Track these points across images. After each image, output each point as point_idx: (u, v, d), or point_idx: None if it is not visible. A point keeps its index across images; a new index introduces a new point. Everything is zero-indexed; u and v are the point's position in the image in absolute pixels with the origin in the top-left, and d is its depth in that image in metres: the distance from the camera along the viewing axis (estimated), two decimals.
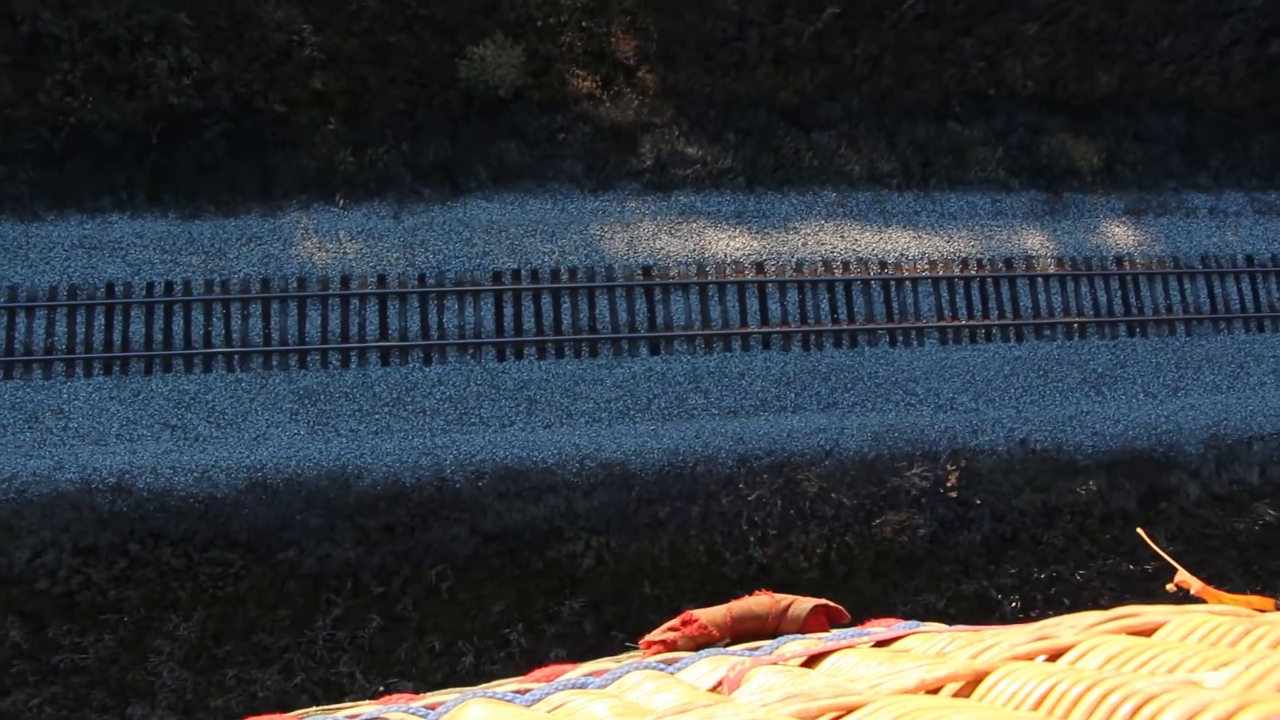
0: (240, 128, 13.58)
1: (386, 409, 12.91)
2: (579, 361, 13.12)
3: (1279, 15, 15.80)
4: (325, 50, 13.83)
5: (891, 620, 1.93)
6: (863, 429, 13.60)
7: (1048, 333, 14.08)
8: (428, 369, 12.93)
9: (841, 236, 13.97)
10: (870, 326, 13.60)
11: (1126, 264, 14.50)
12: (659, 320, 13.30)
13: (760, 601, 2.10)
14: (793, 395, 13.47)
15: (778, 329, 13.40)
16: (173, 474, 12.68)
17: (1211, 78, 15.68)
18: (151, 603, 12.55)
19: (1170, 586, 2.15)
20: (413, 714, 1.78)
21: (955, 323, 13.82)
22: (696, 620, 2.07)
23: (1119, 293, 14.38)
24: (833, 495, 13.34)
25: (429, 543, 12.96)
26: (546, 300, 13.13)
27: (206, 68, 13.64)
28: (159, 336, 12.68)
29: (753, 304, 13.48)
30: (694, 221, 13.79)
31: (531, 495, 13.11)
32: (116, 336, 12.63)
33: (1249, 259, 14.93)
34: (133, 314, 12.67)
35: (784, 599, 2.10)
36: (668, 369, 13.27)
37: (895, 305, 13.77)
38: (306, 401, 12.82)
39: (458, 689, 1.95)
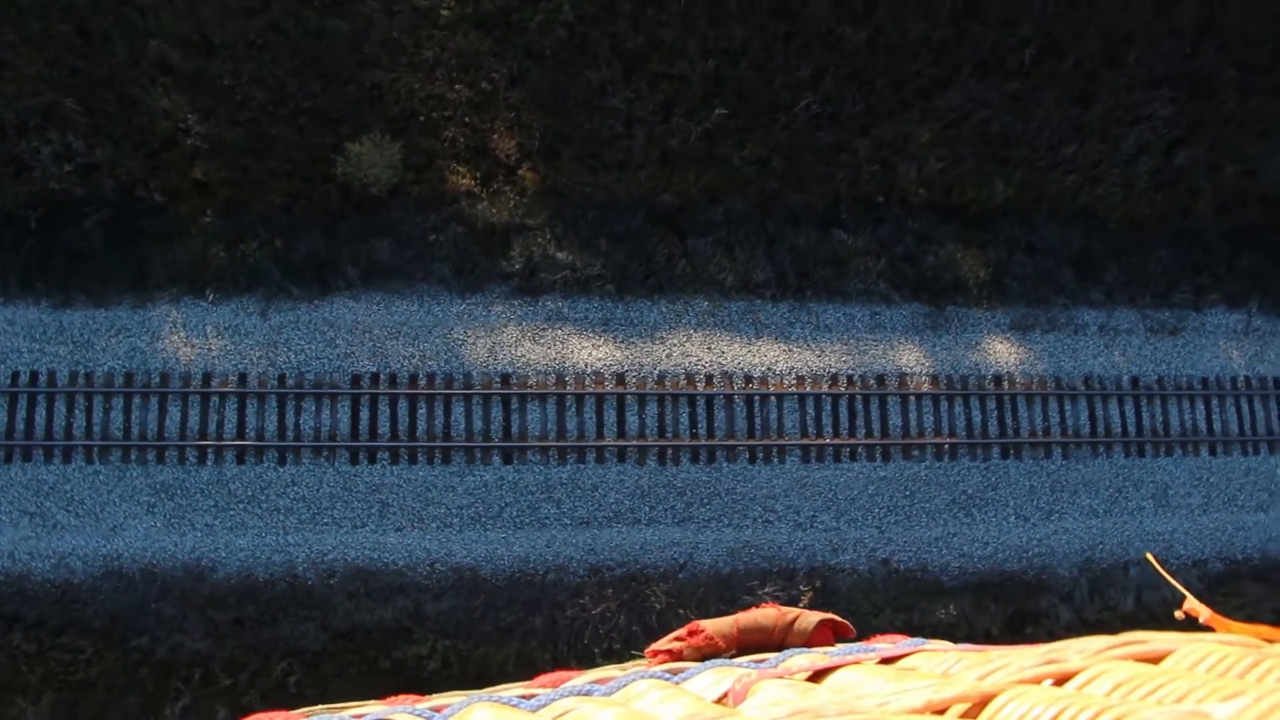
0: (119, 216, 13.83)
1: (241, 505, 13.15)
2: (431, 468, 13.27)
3: (1187, 125, 15.47)
4: (209, 139, 14.02)
5: (896, 636, 1.94)
6: (718, 544, 13.62)
7: (916, 453, 13.97)
8: (282, 469, 13.15)
9: (709, 348, 13.95)
10: (730, 443, 13.59)
11: (1005, 383, 14.33)
12: (514, 429, 13.39)
13: (766, 614, 2.14)
14: (647, 509, 13.52)
15: (634, 442, 13.44)
16: (29, 559, 13.03)
17: (1114, 188, 15.40)
18: (4, 685, 12.94)
19: (1178, 614, 2.13)
20: (418, 715, 1.82)
21: (820, 441, 13.77)
22: (703, 631, 2.11)
23: (995, 413, 14.23)
24: (680, 611, 13.39)
25: (278, 638, 13.21)
26: (403, 405, 13.28)
27: (91, 153, 13.90)
28: (20, 425, 13.00)
29: (610, 416, 13.52)
30: (559, 329, 13.84)
31: (381, 595, 13.30)
32: None
33: (1134, 381, 14.69)
34: None
35: (790, 612, 2.14)
36: (520, 478, 13.38)
37: (758, 421, 13.74)
38: (163, 495, 13.09)
39: (463, 692, 1.99)
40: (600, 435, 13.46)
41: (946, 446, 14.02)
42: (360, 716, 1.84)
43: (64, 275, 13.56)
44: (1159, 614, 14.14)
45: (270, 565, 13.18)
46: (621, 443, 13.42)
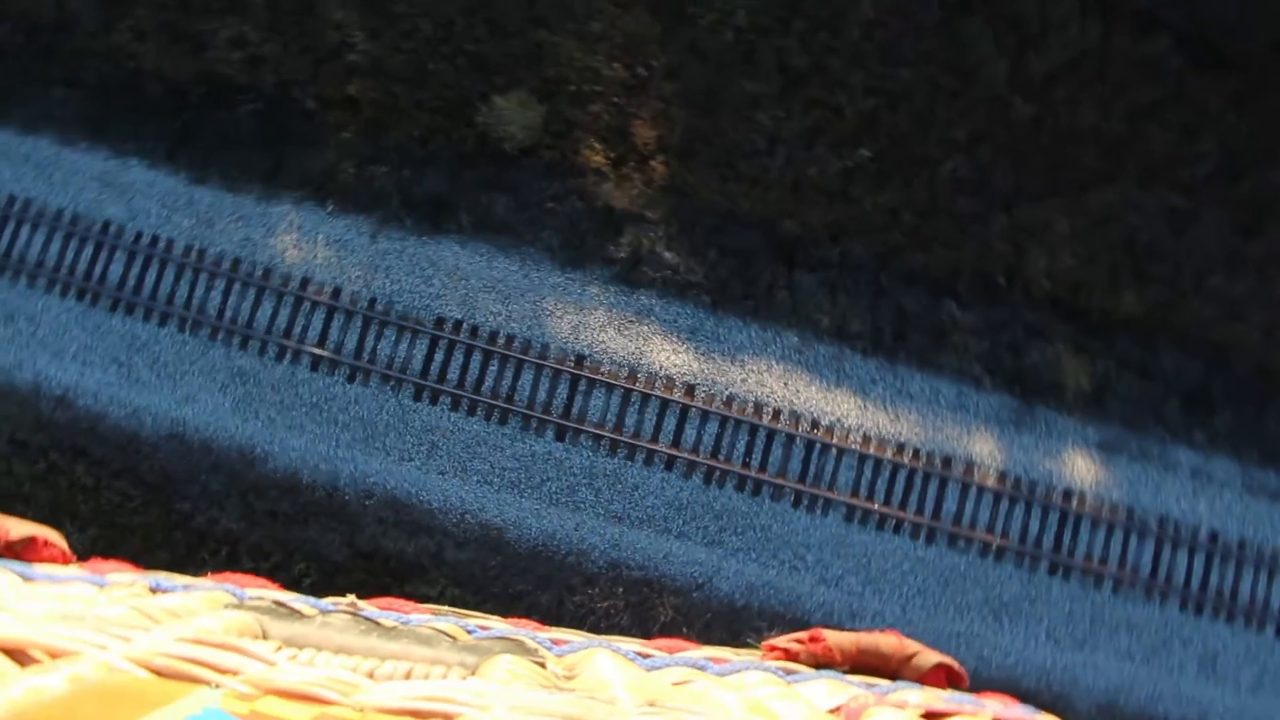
0: (270, 112, 14.45)
1: (304, 409, 13.71)
2: (487, 424, 13.56)
3: None
4: (370, 59, 14.51)
5: (1010, 699, 1.93)
6: (739, 576, 13.58)
7: (962, 544, 13.62)
8: (349, 386, 13.64)
9: (785, 384, 13.83)
10: (779, 481, 13.48)
11: (1074, 500, 13.80)
12: (575, 410, 13.56)
13: (889, 641, 2.14)
14: (680, 521, 13.56)
15: (686, 454, 13.46)
16: (108, 403, 13.88)
17: (1254, 330, 14.56)
18: (56, 507, 13.84)
19: None
20: (538, 643, 1.86)
21: (868, 504, 13.54)
22: (824, 640, 2.10)
23: (1054, 527, 13.73)
24: (684, 629, 13.44)
25: (305, 539, 13.79)
26: (476, 358, 13.58)
27: (261, 47, 14.55)
28: (131, 281, 13.80)
29: (670, 423, 13.56)
30: (645, 325, 13.91)
31: (409, 529, 13.73)
32: (97, 270, 13.82)
33: (1213, 536, 13.95)
34: (116, 255, 13.83)
35: (911, 645, 2.14)
36: (567, 457, 13.56)
37: (813, 468, 13.59)
38: (238, 380, 13.75)
39: (580, 632, 2.04)
40: (655, 439, 13.52)
41: (995, 546, 13.62)
42: (486, 628, 1.87)
43: (206, 154, 14.27)
44: None
45: (315, 471, 13.72)
46: (674, 452, 13.46)
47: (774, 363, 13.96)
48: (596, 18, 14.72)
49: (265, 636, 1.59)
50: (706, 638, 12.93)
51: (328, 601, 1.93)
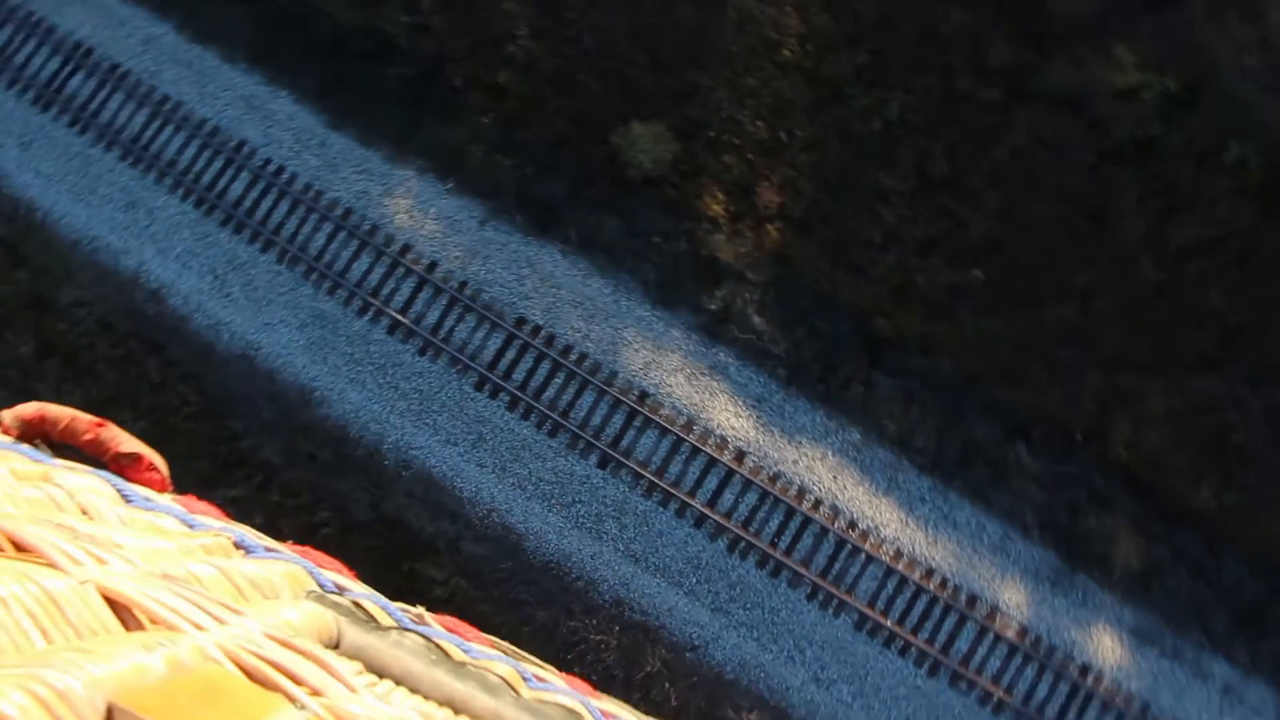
0: (420, 79, 14.87)
1: (371, 367, 14.03)
2: (537, 431, 13.70)
3: None
4: (527, 55, 14.83)
5: None
6: (736, 650, 13.46)
7: (964, 686, 13.29)
8: (419, 358, 13.91)
9: (834, 477, 13.69)
10: (801, 570, 13.34)
11: (1090, 678, 13.37)
12: (623, 442, 13.63)
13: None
14: (694, 580, 13.50)
15: (717, 517, 13.42)
16: (195, 310, 14.39)
17: None
18: (119, 392, 14.38)
19: None
20: (593, 716, 1.90)
21: (881, 619, 13.31)
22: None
23: (1062, 698, 13.31)
24: (666, 685, 13.36)
25: (335, 491, 14.09)
26: (545, 366, 13.74)
27: (429, 18, 14.98)
28: (247, 204, 14.32)
29: (711, 482, 13.53)
30: (715, 381, 13.91)
31: (434, 510, 13.92)
32: (220, 184, 14.38)
33: None
34: (241, 175, 14.36)
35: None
36: (603, 486, 13.62)
37: (837, 567, 13.42)
38: (317, 322, 14.14)
39: (636, 712, 2.11)
40: (692, 494, 13.50)
41: (997, 698, 13.26)
42: (543, 679, 1.92)
43: (350, 103, 14.73)
44: None
45: (364, 429, 14.02)
46: (707, 511, 13.42)
47: (829, 453, 13.83)
48: (754, 74, 14.82)
49: (340, 642, 1.61)
50: (684, 701, 12.85)
51: (397, 607, 1.96)
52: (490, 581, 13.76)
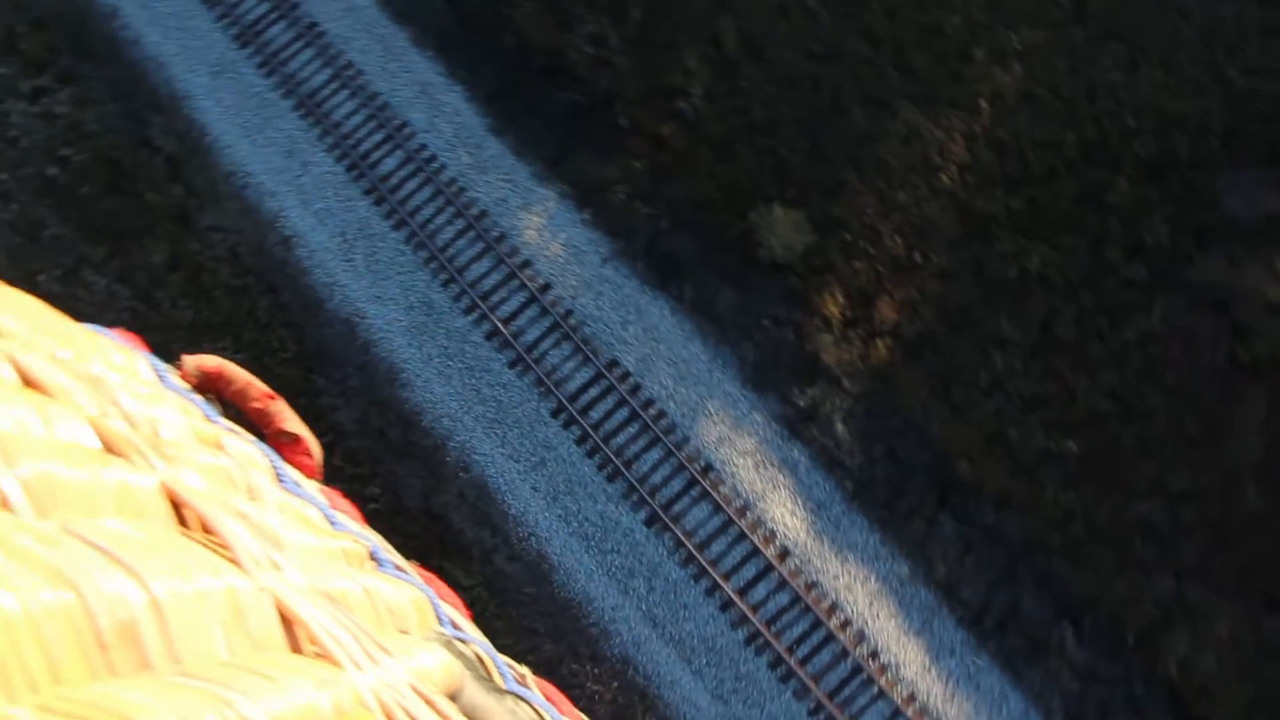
0: (586, 108, 15.28)
1: (461, 366, 14.40)
2: (597, 472, 13.85)
3: None
4: (693, 113, 15.12)
5: None
6: None
7: None
8: (508, 370, 14.23)
9: (870, 603, 13.47)
10: (810, 684, 13.14)
11: None
12: (676, 508, 13.66)
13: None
14: (704, 660, 13.42)
15: (745, 607, 13.33)
16: (319, 267, 15.00)
17: None
18: (227, 320, 15.01)
19: None
20: None
21: None
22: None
23: None
24: None
25: (391, 471, 14.45)
26: (623, 412, 13.89)
27: (613, 53, 15.40)
28: (394, 181, 14.90)
29: (750, 572, 13.46)
30: (781, 474, 13.86)
31: (479, 518, 14.16)
32: (374, 156, 15.00)
33: None
34: (395, 153, 14.96)
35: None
36: (644, 544, 13.67)
37: (848, 691, 13.17)
38: (424, 309, 14.59)
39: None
40: (727, 577, 13.45)
41: None
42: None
43: (515, 113, 15.23)
44: None
45: (436, 421, 14.36)
46: (735, 598, 13.35)
47: (873, 578, 13.62)
48: (907, 189, 14.81)
49: (459, 695, 1.60)
50: None
51: (504, 662, 1.98)
52: (511, 602, 13.91)
